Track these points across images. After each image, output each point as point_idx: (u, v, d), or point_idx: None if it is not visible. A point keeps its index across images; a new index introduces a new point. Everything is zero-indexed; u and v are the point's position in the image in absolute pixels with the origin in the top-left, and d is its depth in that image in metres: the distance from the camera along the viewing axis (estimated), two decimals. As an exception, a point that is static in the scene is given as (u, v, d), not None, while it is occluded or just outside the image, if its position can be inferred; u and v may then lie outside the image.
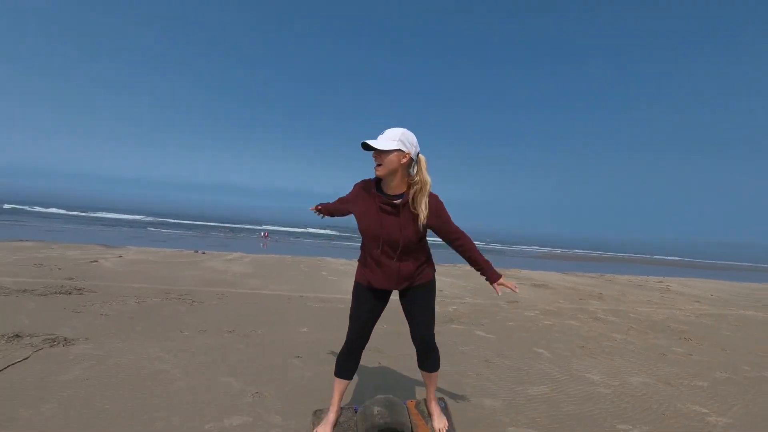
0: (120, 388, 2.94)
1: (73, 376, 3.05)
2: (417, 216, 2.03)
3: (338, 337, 3.40)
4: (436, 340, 2.39)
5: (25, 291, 5.50)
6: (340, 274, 9.83)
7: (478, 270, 2.27)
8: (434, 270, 2.35)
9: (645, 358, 4.70)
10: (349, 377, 2.31)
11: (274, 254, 15.33)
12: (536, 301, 8.28)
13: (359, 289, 2.28)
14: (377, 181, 2.14)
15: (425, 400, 2.59)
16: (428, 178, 2.03)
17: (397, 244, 2.08)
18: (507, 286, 2.23)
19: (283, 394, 2.99)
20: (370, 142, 1.94)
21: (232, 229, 50.00)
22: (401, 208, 2.05)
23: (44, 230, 20.07)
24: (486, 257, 2.28)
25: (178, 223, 56.45)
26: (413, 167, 2.05)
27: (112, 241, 16.71)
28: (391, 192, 2.09)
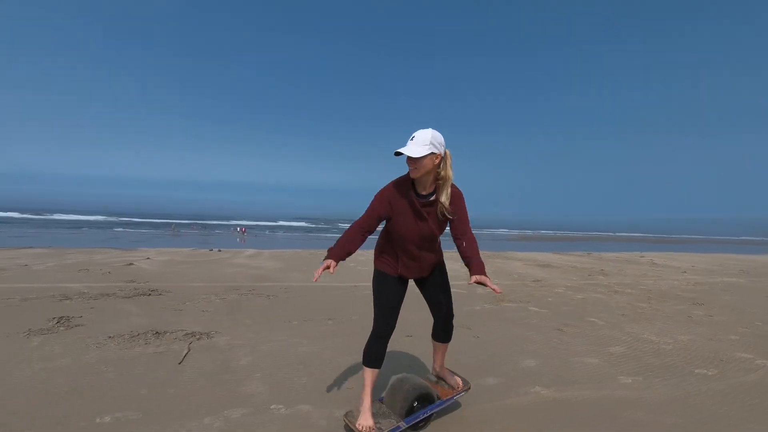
0: (298, 367, 3.40)
1: (248, 362, 3.48)
2: (443, 208, 2.14)
3: (424, 316, 3.85)
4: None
5: (107, 295, 5.72)
6: (367, 264, 10.36)
7: (467, 264, 2.18)
8: (442, 256, 2.50)
9: (678, 321, 5.55)
10: (379, 365, 2.32)
11: (281, 249, 15.60)
12: (555, 279, 9.13)
13: (387, 279, 2.31)
14: (411, 182, 2.17)
15: (432, 374, 2.85)
16: (451, 173, 2.12)
17: (433, 238, 2.24)
18: (488, 286, 2.04)
19: (425, 362, 3.54)
20: (404, 151, 2.01)
21: (204, 226, 49.17)
22: (435, 203, 2.16)
23: (28, 236, 19.31)
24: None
25: (143, 221, 54.90)
26: (442, 164, 2.12)
27: (105, 243, 16.42)
28: (424, 192, 2.17)
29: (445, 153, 2.11)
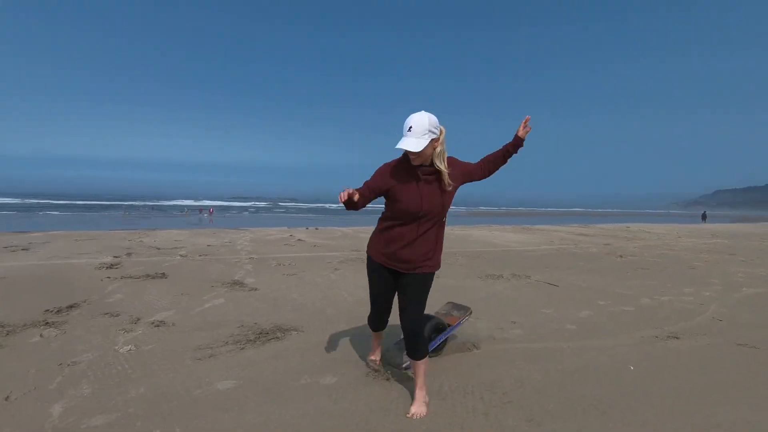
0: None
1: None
2: (444, 176, 2.08)
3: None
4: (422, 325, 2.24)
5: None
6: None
7: (508, 151, 2.27)
8: (439, 266, 2.25)
9: (748, 265, 6.69)
10: (383, 328, 2.56)
11: (292, 228, 15.58)
12: (599, 245, 10.21)
13: (373, 267, 2.32)
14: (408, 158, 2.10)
15: (442, 308, 3.18)
16: (442, 147, 2.06)
17: (437, 209, 2.10)
18: (524, 124, 2.23)
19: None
20: (406, 147, 1.96)
21: (160, 207, 46.38)
22: (437, 174, 2.09)
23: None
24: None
25: (92, 204, 50.69)
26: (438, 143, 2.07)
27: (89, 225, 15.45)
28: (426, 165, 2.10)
29: (440, 131, 2.05)
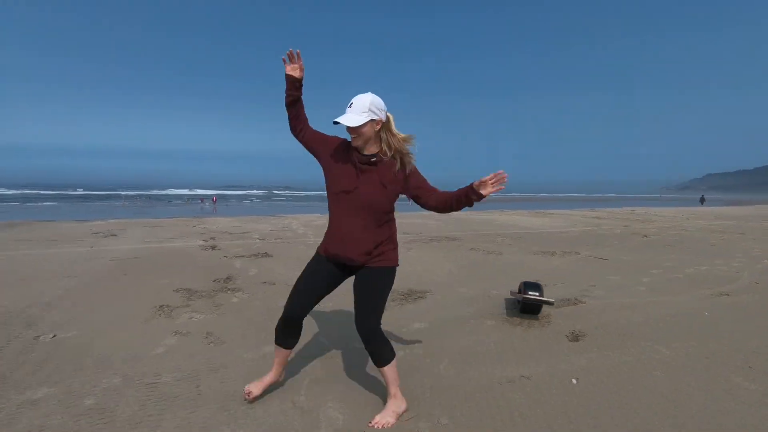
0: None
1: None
2: (395, 175, 1.96)
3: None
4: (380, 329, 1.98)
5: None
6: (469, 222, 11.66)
7: (461, 199, 1.92)
8: (397, 260, 2.09)
9: (759, 242, 7.61)
10: (290, 347, 2.12)
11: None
12: (620, 227, 11.12)
13: (316, 258, 2.10)
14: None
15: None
16: (399, 140, 1.96)
17: (370, 206, 1.94)
18: (487, 183, 1.85)
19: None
20: (342, 120, 1.87)
21: (156, 197, 46.78)
22: (378, 164, 1.95)
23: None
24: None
25: (92, 194, 50.89)
26: (384, 130, 1.95)
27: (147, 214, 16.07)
28: (366, 153, 1.96)
29: (387, 117, 1.95)
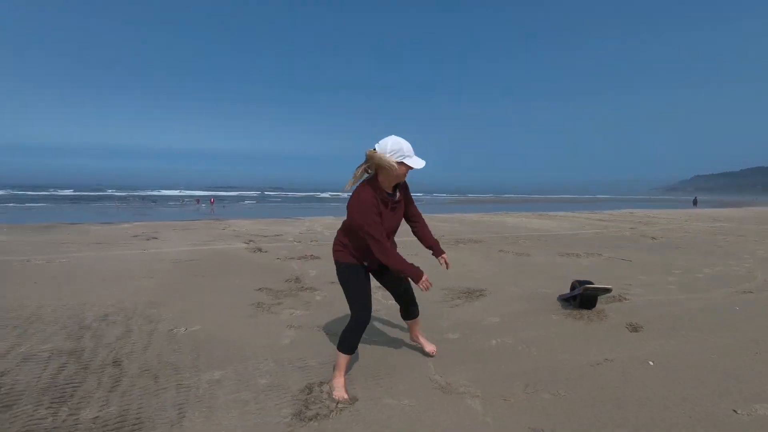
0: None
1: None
2: (402, 203, 2.37)
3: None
4: None
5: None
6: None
7: (427, 246, 2.56)
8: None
9: (762, 244, 8.19)
10: (353, 352, 2.35)
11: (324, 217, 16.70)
12: (627, 229, 11.68)
13: (357, 269, 2.35)
14: (375, 182, 2.23)
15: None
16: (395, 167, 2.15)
17: (396, 230, 2.39)
18: (446, 261, 2.54)
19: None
20: (419, 166, 2.17)
21: (149, 198, 46.65)
22: (401, 200, 2.38)
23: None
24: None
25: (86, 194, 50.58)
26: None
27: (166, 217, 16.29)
28: (389, 191, 2.27)
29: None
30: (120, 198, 44.76)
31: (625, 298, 4.28)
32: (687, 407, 2.22)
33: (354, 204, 2.18)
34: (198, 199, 42.79)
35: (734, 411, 2.19)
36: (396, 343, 3.01)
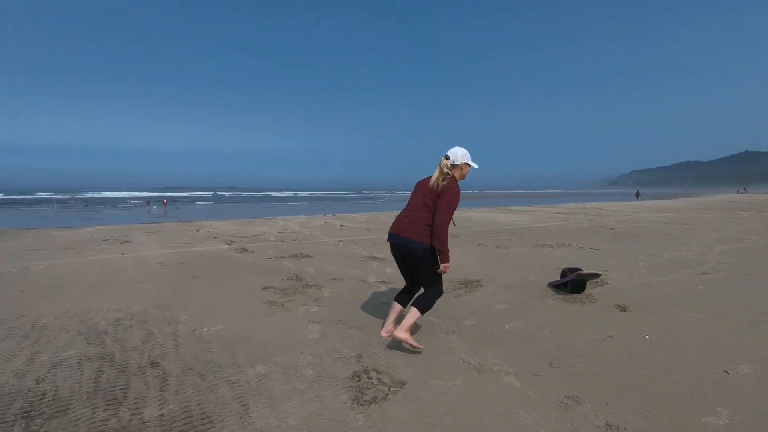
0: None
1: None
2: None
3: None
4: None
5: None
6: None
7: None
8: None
9: (704, 231, 9.12)
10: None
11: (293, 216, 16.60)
12: (586, 221, 12.51)
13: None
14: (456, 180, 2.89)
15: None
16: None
17: None
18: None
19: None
20: (475, 166, 2.99)
21: (94, 200, 43.87)
22: None
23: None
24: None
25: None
26: None
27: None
28: None
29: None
30: (60, 201, 41.63)
31: (606, 283, 4.71)
32: (685, 371, 2.57)
33: (456, 196, 2.80)
34: (148, 201, 40.69)
35: (725, 372, 2.56)
36: (419, 332, 3.19)
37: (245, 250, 6.80)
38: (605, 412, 2.11)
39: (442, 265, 2.81)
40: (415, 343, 2.75)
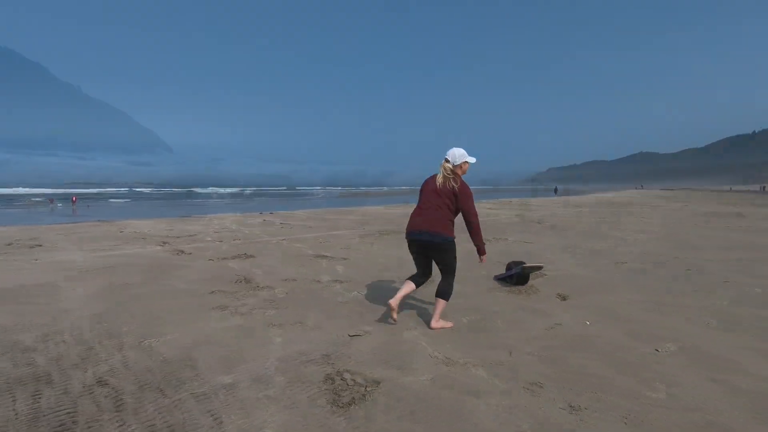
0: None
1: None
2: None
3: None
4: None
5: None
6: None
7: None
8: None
9: (618, 224, 10.19)
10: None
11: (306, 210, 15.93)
12: (514, 216, 13.36)
13: None
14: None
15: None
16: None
17: None
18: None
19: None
20: (473, 161, 3.33)
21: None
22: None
23: None
24: None
25: None
26: None
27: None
28: None
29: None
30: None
31: (545, 274, 5.09)
32: (625, 352, 2.87)
33: (470, 194, 3.24)
34: (52, 199, 36.38)
35: (656, 350, 2.90)
36: (385, 332, 3.22)
37: (182, 252, 6.36)
38: (566, 395, 2.29)
39: (482, 257, 3.36)
40: (448, 324, 3.32)
